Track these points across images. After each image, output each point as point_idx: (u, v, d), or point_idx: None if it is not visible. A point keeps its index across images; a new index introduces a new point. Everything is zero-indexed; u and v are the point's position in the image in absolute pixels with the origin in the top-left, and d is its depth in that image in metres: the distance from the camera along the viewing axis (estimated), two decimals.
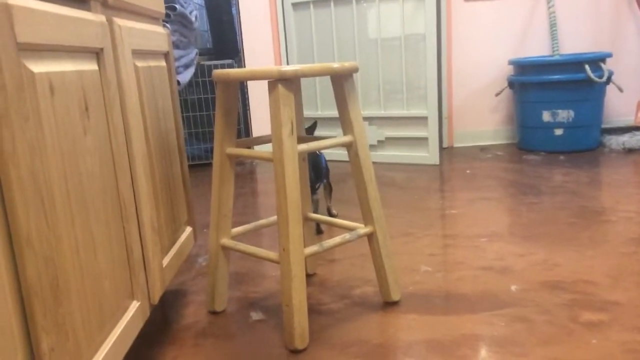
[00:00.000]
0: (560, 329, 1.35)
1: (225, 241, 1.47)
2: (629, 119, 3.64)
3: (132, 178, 1.13)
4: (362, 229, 1.50)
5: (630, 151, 3.23)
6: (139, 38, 1.28)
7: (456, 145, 3.80)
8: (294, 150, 1.28)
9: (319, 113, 3.61)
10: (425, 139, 3.31)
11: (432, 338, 1.35)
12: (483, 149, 3.65)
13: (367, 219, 1.51)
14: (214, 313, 1.55)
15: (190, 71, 3.26)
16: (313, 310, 1.53)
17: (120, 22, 1.14)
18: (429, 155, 3.30)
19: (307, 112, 3.68)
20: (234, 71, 1.35)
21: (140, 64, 1.27)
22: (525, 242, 1.97)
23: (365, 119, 3.47)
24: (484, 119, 3.78)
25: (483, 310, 1.48)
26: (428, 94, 3.25)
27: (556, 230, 2.07)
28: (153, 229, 1.22)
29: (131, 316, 1.06)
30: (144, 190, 1.18)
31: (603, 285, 1.58)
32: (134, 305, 1.10)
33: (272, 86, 1.29)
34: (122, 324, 1.02)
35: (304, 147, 1.35)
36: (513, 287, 1.59)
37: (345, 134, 1.46)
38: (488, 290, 1.59)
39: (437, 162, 3.28)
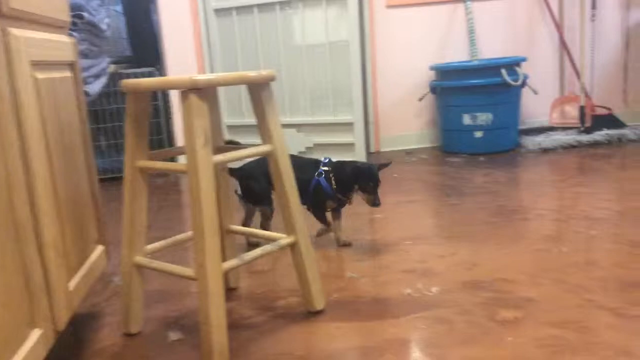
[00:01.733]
0: (478, 328, 1.38)
1: (139, 259, 1.41)
2: (544, 120, 3.82)
3: (31, 197, 1.06)
4: (284, 239, 1.48)
5: (545, 151, 3.38)
6: (40, 48, 1.21)
7: (383, 149, 3.86)
8: (208, 161, 1.25)
9: (245, 120, 3.57)
10: (353, 144, 3.34)
11: (356, 345, 1.35)
12: (409, 152, 3.73)
13: (289, 228, 1.49)
14: (129, 335, 1.48)
15: (102, 81, 3.14)
16: (235, 325, 1.49)
17: (18, 32, 1.07)
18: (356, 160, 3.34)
19: (232, 120, 3.64)
20: (144, 81, 1.30)
21: (40, 75, 1.20)
22: (447, 243, 2.01)
23: (294, 125, 3.47)
24: (409, 124, 3.86)
25: (406, 313, 1.50)
26: (353, 100, 3.29)
27: (476, 230, 2.13)
28: (56, 250, 1.15)
29: (32, 345, 0.99)
30: (45, 209, 1.11)
31: (519, 282, 1.63)
32: (36, 333, 1.03)
33: (184, 96, 1.25)
34: (21, 354, 0.95)
35: (219, 157, 1.32)
36: (434, 289, 1.62)
37: (264, 143, 1.44)
38: (411, 293, 1.61)
39: None
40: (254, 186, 2.07)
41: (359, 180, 1.93)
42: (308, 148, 3.45)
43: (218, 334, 1.25)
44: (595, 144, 3.42)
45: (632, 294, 1.52)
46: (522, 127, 3.65)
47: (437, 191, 2.78)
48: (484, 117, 3.40)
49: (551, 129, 3.67)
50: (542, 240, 1.99)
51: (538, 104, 3.80)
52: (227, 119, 3.66)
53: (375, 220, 2.38)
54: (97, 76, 3.05)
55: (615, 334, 1.32)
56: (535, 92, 3.54)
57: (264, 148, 1.43)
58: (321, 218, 2.06)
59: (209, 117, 1.26)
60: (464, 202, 2.53)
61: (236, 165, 1.99)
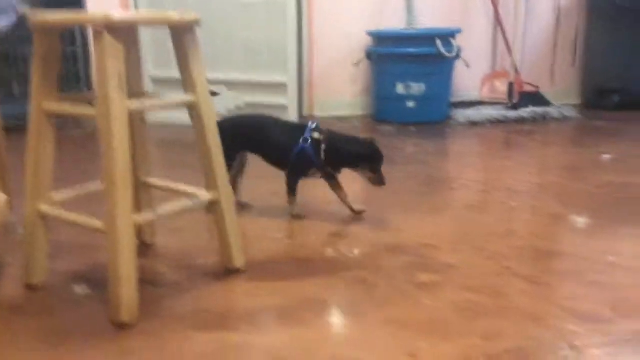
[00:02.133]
0: (397, 290, 1.38)
1: (43, 207, 1.30)
2: (475, 94, 3.88)
3: None
4: (204, 196, 1.41)
5: (474, 124, 3.45)
6: None
7: (316, 114, 3.82)
8: (122, 106, 1.15)
9: (174, 74, 3.40)
10: (285, 106, 3.27)
11: (275, 304, 1.32)
12: (342, 119, 3.70)
13: (210, 184, 1.42)
14: (32, 288, 1.38)
15: (10, 17, 2.88)
16: (147, 282, 1.42)
17: None
18: None
19: (159, 72, 3.45)
20: (53, 16, 1.18)
21: None
22: (374, 209, 2.00)
23: (225, 83, 3.34)
24: (344, 89, 3.83)
25: (326, 274, 1.47)
26: (288, 60, 3.20)
27: (404, 198, 2.13)
28: None
29: None
30: None
31: (441, 249, 1.65)
32: None
33: (97, 35, 1.14)
34: None
35: (135, 104, 1.22)
36: (356, 251, 1.61)
37: (186, 93, 1.35)
38: (332, 254, 1.59)
39: None
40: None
41: (367, 159, 1.81)
42: (238, 107, 3.35)
43: (127, 288, 1.18)
44: (521, 120, 3.52)
45: (545, 263, 1.57)
46: (453, 99, 3.70)
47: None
48: (417, 88, 3.41)
49: (481, 103, 3.74)
50: (466, 210, 2.02)
51: (469, 78, 3.85)
52: (152, 70, 3.47)
53: (302, 184, 2.34)
54: (3, 10, 2.79)
55: (527, 300, 1.35)
56: (468, 65, 3.58)
57: (186, 98, 1.34)
58: (293, 187, 1.91)
59: (124, 60, 1.16)
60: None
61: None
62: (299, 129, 1.86)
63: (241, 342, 1.17)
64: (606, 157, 2.60)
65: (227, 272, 1.47)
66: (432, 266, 1.53)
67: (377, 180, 1.82)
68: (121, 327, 1.20)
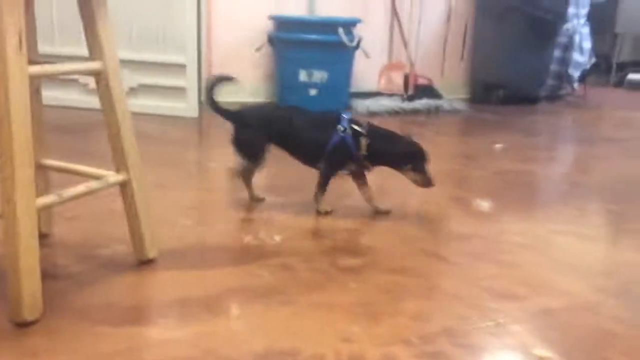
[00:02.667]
0: (322, 275, 1.35)
1: None
2: (373, 85, 3.96)
3: None
4: (113, 177, 1.28)
5: (373, 114, 3.51)
6: None
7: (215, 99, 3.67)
8: (22, 69, 1.00)
9: (57, 50, 3.10)
10: (184, 89, 3.11)
11: (193, 295, 1.22)
12: (244, 105, 3.59)
13: (120, 165, 1.29)
14: None
15: None
16: (48, 275, 1.26)
17: None
18: (187, 106, 3.11)
19: (42, 48, 3.13)
20: None
21: None
22: (287, 193, 1.96)
23: (121, 62, 3.10)
24: (245, 75, 3.71)
25: (247, 261, 1.41)
26: (187, 40, 3.04)
27: (313, 184, 2.10)
28: None
29: None
30: None
31: (358, 231, 1.64)
32: None
33: None
34: None
35: (37, 69, 1.07)
36: (276, 237, 1.55)
37: (92, 58, 1.21)
38: (252, 241, 1.53)
39: (196, 115, 3.12)
40: (245, 136, 1.77)
41: (413, 157, 1.69)
42: (132, 89, 3.13)
43: (29, 282, 1.03)
44: (415, 112, 3.64)
45: (456, 244, 1.62)
46: (352, 90, 3.74)
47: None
48: (320, 75, 3.40)
49: (378, 94, 3.82)
50: (376, 194, 2.03)
51: (368, 69, 3.91)
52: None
53: (208, 169, 2.24)
54: None
55: (447, 280, 1.38)
56: (367, 56, 3.63)
57: (93, 65, 1.20)
58: (326, 182, 1.74)
59: (24, 15, 1.00)
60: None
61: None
62: (332, 119, 1.71)
63: (160, 338, 1.07)
64: (498, 146, 2.76)
65: (138, 262, 1.35)
66: (352, 249, 1.51)
67: (425, 181, 1.69)
68: (23, 325, 1.05)
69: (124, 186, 1.30)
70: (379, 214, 1.77)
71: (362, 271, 1.38)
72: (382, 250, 1.52)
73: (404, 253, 1.52)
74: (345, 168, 1.74)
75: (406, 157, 1.68)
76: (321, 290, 1.28)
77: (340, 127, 1.67)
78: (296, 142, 1.75)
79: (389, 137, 1.73)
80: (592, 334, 1.16)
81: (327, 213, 1.75)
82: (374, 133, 1.70)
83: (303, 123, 1.74)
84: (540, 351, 1.08)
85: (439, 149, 2.85)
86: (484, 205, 1.94)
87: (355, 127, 1.69)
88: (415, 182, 1.71)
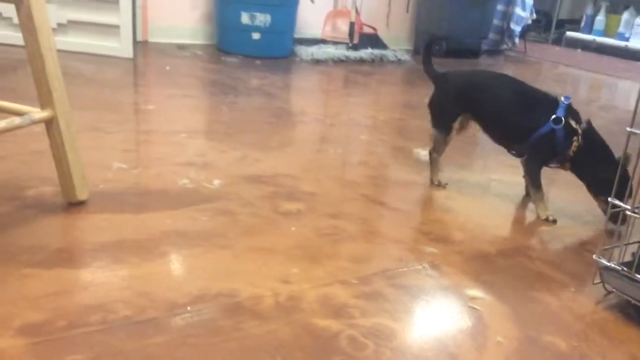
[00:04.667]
0: (262, 219, 1.33)
1: None
2: (317, 32, 3.88)
3: None
4: (38, 113, 1.19)
5: (317, 62, 3.45)
6: None
7: (151, 40, 3.50)
8: None
9: None
10: (117, 27, 2.93)
11: (128, 237, 1.18)
12: (181, 46, 3.45)
13: (45, 100, 1.20)
14: None
15: None
16: None
17: None
18: (120, 46, 2.95)
19: None
20: None
21: None
22: (226, 139, 1.90)
23: None
24: (182, 15, 3.55)
25: (185, 205, 1.36)
26: None
27: (256, 129, 2.06)
28: None
29: None
30: None
31: (299, 178, 1.62)
32: None
33: None
34: None
35: None
36: (216, 182, 1.51)
37: None
38: (190, 185, 1.48)
39: (131, 55, 2.96)
40: (439, 100, 1.62)
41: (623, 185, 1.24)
42: (60, 25, 2.92)
43: None
44: (360, 61, 3.61)
45: (397, 191, 1.63)
46: (296, 35, 3.65)
47: (213, 88, 2.63)
48: (263, 18, 3.29)
49: (323, 41, 3.75)
50: (319, 142, 2.01)
51: (312, 15, 3.82)
52: None
53: (145, 111, 2.14)
54: None
55: (387, 225, 1.40)
56: (312, 1, 3.54)
57: None
58: (535, 178, 1.49)
59: None
60: (242, 101, 2.44)
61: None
62: (548, 103, 1.46)
63: (91, 280, 1.03)
64: None
65: (68, 204, 1.28)
66: (293, 195, 1.49)
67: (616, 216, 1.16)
68: None
69: (49, 123, 1.21)
70: (550, 220, 1.49)
71: (302, 216, 1.37)
72: (323, 196, 1.51)
73: (345, 199, 1.51)
74: (549, 164, 1.50)
75: (609, 185, 1.18)
76: (261, 234, 1.26)
77: (556, 117, 1.42)
78: (495, 118, 1.53)
79: (603, 151, 1.43)
80: (522, 275, 1.21)
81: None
82: (591, 137, 1.43)
83: (510, 97, 1.50)
84: (472, 291, 1.11)
85: (383, 98, 2.85)
86: (424, 154, 1.96)
87: (572, 122, 1.42)
88: (605, 212, 1.34)
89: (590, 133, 1.44)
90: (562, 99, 1.44)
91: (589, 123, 1.45)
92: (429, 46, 1.68)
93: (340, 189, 1.58)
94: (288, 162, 1.74)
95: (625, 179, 1.25)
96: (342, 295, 1.05)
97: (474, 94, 1.55)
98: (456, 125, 1.58)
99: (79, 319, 0.91)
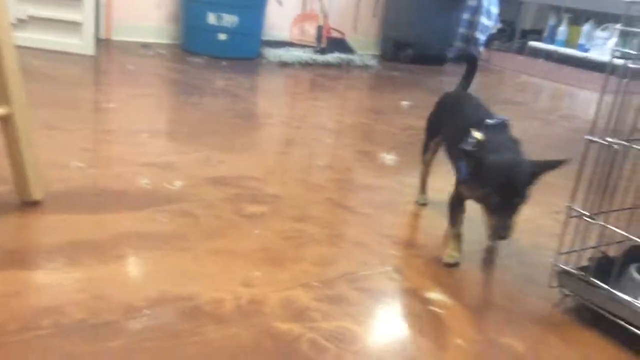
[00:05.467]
0: (224, 222, 1.31)
1: None
2: (285, 34, 3.87)
3: None
4: None
5: (284, 64, 3.44)
6: None
7: (114, 38, 3.43)
8: None
9: None
10: (79, 24, 2.86)
11: (84, 239, 1.14)
12: (145, 45, 3.39)
13: (1, 96, 1.15)
14: None
15: None
16: None
17: None
18: (82, 43, 2.87)
19: None
20: None
21: None
22: (189, 139, 1.87)
23: None
24: (147, 14, 3.49)
25: (144, 207, 1.33)
26: None
27: (220, 130, 2.04)
28: None
29: None
30: None
31: (264, 180, 1.60)
32: None
33: None
34: None
35: None
36: (177, 183, 1.48)
37: None
38: (150, 186, 1.45)
39: (93, 53, 2.89)
40: (429, 117, 1.51)
41: (486, 180, 1.10)
42: (20, 20, 2.84)
43: None
44: (327, 65, 3.61)
45: (362, 195, 1.63)
46: (264, 37, 3.63)
47: (177, 88, 2.59)
48: (230, 19, 3.26)
49: (291, 44, 3.75)
50: (284, 144, 2.01)
51: (281, 17, 3.81)
52: None
53: (105, 110, 2.09)
54: None
55: (351, 229, 1.39)
56: (280, 4, 3.53)
57: None
58: (449, 212, 1.27)
59: None
60: (207, 102, 2.41)
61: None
62: (475, 121, 1.24)
63: (46, 282, 1.00)
64: (405, 103, 2.81)
65: (22, 203, 1.24)
66: (257, 197, 1.48)
67: (496, 228, 1.10)
68: None
69: (5, 120, 1.17)
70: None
71: (265, 219, 1.36)
72: (288, 199, 1.50)
73: (310, 202, 1.51)
74: (463, 194, 1.25)
75: (483, 174, 1.10)
76: (222, 236, 1.24)
77: (470, 138, 1.19)
78: (445, 144, 1.40)
79: (496, 142, 1.17)
80: (481, 279, 1.22)
81: (449, 264, 1.24)
82: (489, 139, 1.17)
83: (455, 122, 1.34)
84: (434, 294, 1.12)
85: (349, 103, 2.86)
86: (390, 158, 1.97)
87: (476, 136, 1.18)
88: (488, 225, 1.13)
89: (492, 134, 1.18)
90: (489, 120, 1.22)
91: (501, 126, 1.22)
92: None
93: (305, 192, 1.57)
94: (252, 164, 1.72)
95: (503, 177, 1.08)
96: (304, 298, 1.04)
97: (440, 115, 1.47)
98: (432, 145, 1.51)
99: (31, 322, 0.88)
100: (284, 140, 2.05)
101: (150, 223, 1.26)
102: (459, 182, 1.24)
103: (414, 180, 1.67)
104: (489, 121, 1.21)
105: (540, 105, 3.43)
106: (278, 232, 1.29)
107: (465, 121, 1.26)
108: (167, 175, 1.53)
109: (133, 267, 1.09)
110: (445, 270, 1.23)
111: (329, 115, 2.49)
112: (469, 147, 1.16)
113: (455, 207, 1.26)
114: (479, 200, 1.15)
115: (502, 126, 1.23)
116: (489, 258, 1.34)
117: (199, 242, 1.20)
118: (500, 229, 1.09)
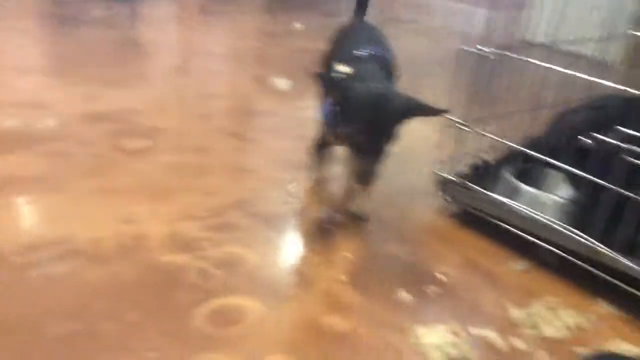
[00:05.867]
0: (104, 159, 1.23)
1: None
2: None
3: None
4: None
5: None
6: None
7: None
8: None
9: None
10: None
11: None
12: None
13: None
14: None
15: None
16: None
17: None
18: None
19: None
20: None
21: None
22: (64, 74, 1.73)
23: None
24: None
25: (14, 149, 1.23)
26: None
27: (98, 63, 1.89)
28: None
29: None
30: None
31: (147, 113, 1.52)
32: None
33: None
34: None
35: None
36: (50, 122, 1.37)
37: None
38: (21, 127, 1.33)
39: None
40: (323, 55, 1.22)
41: (351, 113, 0.94)
42: None
43: None
44: None
45: (253, 121, 1.60)
46: None
47: (49, 19, 2.37)
48: None
49: None
50: (168, 74, 1.90)
51: None
52: None
53: None
54: None
55: (241, 156, 1.37)
56: None
57: None
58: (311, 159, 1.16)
59: None
60: (84, 34, 2.22)
61: None
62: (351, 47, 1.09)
63: None
64: (298, 25, 2.74)
65: None
66: (139, 131, 1.40)
67: (358, 171, 1.00)
68: None
69: None
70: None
71: (149, 153, 1.29)
72: (174, 131, 1.44)
73: (198, 132, 1.45)
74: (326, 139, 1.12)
75: (346, 108, 0.95)
76: (101, 174, 1.17)
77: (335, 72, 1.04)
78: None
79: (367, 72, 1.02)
80: (367, 195, 1.25)
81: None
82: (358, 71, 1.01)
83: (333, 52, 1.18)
84: (323, 212, 1.13)
85: (239, 26, 2.75)
86: (282, 83, 1.93)
87: (341, 68, 1.02)
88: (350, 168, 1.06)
89: (361, 63, 1.03)
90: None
91: (368, 56, 1.04)
92: None
93: (194, 122, 1.51)
94: (135, 97, 1.62)
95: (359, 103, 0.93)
96: (192, 229, 1.01)
97: (329, 51, 1.26)
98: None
99: None
100: (169, 69, 1.94)
101: (21, 166, 1.16)
102: (322, 124, 1.07)
103: (307, 102, 1.65)
104: (358, 53, 1.04)
105: (432, 24, 3.47)
106: (163, 166, 1.24)
107: (336, 55, 1.10)
108: (39, 114, 1.41)
109: (5, 212, 1.00)
110: (336, 190, 1.24)
111: (219, 41, 2.39)
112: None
113: (318, 153, 1.13)
114: (343, 141, 1.00)
115: (378, 59, 1.05)
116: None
117: (75, 182, 1.12)
118: (363, 173, 0.98)
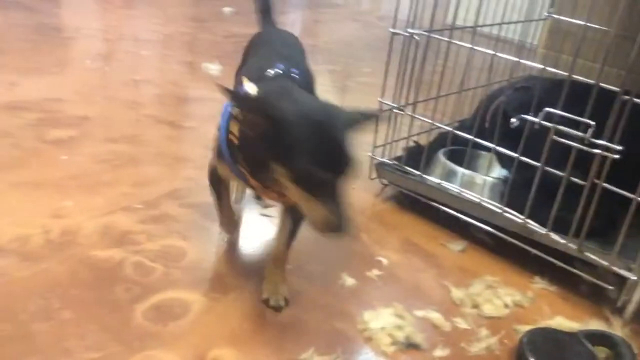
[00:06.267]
0: (25, 151, 1.16)
1: None
2: None
3: None
4: None
5: None
6: None
7: None
8: None
9: None
10: None
11: None
12: None
13: None
14: None
15: None
16: None
17: None
18: None
19: None
20: None
21: None
22: None
23: None
24: None
25: None
26: None
27: (13, 49, 1.77)
28: None
29: None
30: None
31: (70, 101, 1.44)
32: None
33: None
34: None
35: None
36: None
37: None
38: None
39: None
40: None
41: (292, 144, 0.68)
42: None
43: None
44: None
45: (185, 108, 1.55)
46: None
47: None
48: None
49: None
50: (92, 59, 1.81)
51: None
52: None
53: None
54: None
55: (174, 144, 1.33)
56: None
57: None
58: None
59: None
60: None
61: None
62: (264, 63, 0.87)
63: None
64: (227, 9, 2.67)
65: None
66: (63, 121, 1.33)
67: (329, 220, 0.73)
68: None
69: None
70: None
71: (74, 143, 1.23)
72: (101, 119, 1.37)
73: (126, 121, 1.39)
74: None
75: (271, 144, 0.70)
76: (24, 167, 1.10)
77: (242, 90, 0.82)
78: None
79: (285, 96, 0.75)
80: None
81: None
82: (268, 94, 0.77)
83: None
84: (260, 199, 1.11)
85: (167, 11, 2.65)
86: (214, 68, 1.88)
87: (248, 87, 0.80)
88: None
89: (272, 86, 0.78)
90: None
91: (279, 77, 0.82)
92: None
93: (121, 110, 1.45)
94: (56, 84, 1.53)
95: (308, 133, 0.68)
96: (125, 222, 0.97)
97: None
98: None
99: None
100: (93, 56, 1.85)
101: None
102: (220, 156, 0.82)
103: None
104: (271, 72, 0.82)
105: (361, 8, 3.50)
106: (90, 156, 1.18)
107: (245, 70, 0.90)
108: None
109: None
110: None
111: (146, 26, 2.29)
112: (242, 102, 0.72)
113: (218, 185, 0.91)
114: (282, 178, 0.70)
115: (292, 78, 0.83)
116: None
117: None
118: (337, 219, 0.73)
